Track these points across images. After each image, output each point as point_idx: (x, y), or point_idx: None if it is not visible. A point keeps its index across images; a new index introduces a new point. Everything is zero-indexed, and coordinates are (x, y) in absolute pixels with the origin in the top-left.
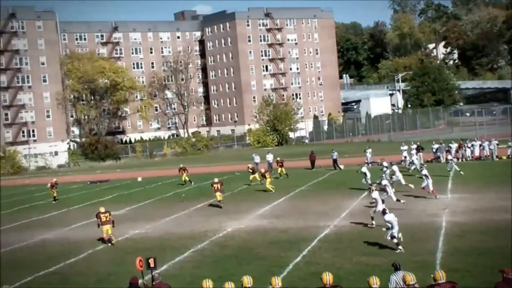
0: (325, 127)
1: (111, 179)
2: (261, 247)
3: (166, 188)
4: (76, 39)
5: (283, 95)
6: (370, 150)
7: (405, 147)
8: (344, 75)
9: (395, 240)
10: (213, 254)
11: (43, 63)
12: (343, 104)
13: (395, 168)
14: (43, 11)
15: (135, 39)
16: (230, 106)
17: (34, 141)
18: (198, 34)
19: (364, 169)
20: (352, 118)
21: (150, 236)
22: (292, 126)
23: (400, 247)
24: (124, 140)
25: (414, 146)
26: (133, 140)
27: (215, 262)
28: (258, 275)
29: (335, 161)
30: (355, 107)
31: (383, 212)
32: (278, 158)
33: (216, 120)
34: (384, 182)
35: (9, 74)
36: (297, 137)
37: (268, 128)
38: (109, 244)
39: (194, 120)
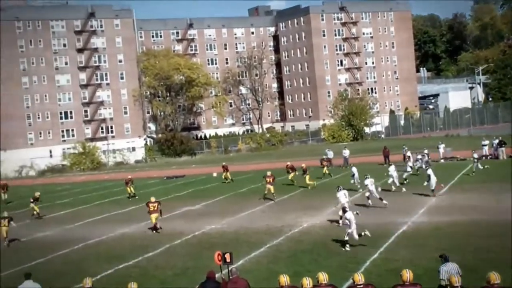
0: (402, 122)
1: (187, 175)
2: (337, 243)
3: (241, 184)
4: (152, 36)
5: (358, 89)
6: (443, 145)
7: (487, 142)
8: (421, 68)
9: (347, 238)
10: (288, 250)
11: (120, 61)
12: (420, 98)
13: (391, 169)
14: (120, 10)
15: (209, 35)
16: (305, 101)
17: (113, 137)
18: (272, 29)
19: (354, 169)
20: (430, 113)
21: (226, 231)
22: (367, 121)
23: (347, 246)
24: (199, 136)
25: (496, 140)
26: (208, 136)
27: (290, 257)
28: (335, 271)
29: (405, 156)
30: (433, 101)
31: (343, 210)
32: (324, 157)
33: (290, 116)
34: (367, 181)
35: (89, 71)
36: (372, 132)
37: (343, 123)
38: (154, 232)
39: (268, 116)
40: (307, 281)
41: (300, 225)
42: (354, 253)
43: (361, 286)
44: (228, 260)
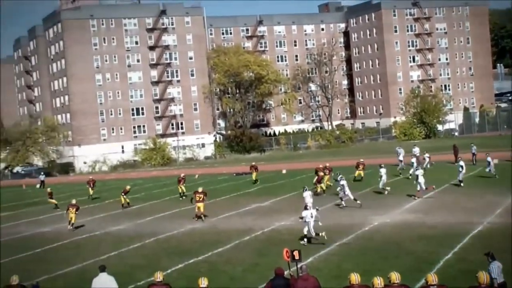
0: (477, 120)
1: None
2: (408, 242)
3: (311, 181)
4: (222, 33)
5: (431, 86)
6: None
7: None
8: (498, 64)
9: (305, 231)
10: (358, 248)
11: (190, 58)
12: (496, 95)
13: (382, 170)
14: (191, 7)
15: (279, 32)
16: (375, 98)
17: (183, 133)
18: (343, 25)
19: (383, 170)
20: (507, 110)
21: (295, 228)
22: (440, 119)
23: (304, 240)
24: (268, 132)
25: None
26: (277, 133)
27: (361, 256)
28: (406, 270)
29: (473, 155)
30: (510, 98)
31: (305, 207)
32: (361, 159)
33: (360, 113)
34: (342, 182)
35: (160, 69)
36: (445, 130)
37: (415, 120)
38: (196, 219)
39: (338, 113)
40: (378, 281)
41: (371, 223)
42: (427, 253)
43: (435, 286)
44: (296, 257)
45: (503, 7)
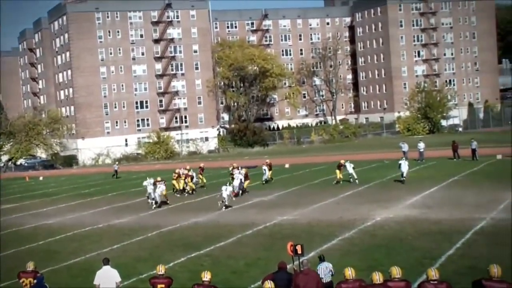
0: (481, 115)
1: (259, 165)
2: (412, 237)
3: (314, 175)
4: (227, 27)
5: (436, 81)
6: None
7: None
8: (503, 59)
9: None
10: (361, 243)
11: (195, 51)
12: (501, 90)
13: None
14: (196, 1)
15: (284, 26)
16: (380, 93)
17: (186, 127)
18: (348, 19)
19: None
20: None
21: (298, 223)
22: (444, 114)
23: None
24: (272, 126)
25: None
26: (280, 127)
27: (363, 251)
28: (409, 266)
29: (473, 151)
30: None
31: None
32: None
33: (364, 107)
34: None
35: (164, 62)
36: (449, 125)
37: (419, 115)
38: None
39: (342, 107)
40: (377, 276)
41: (373, 218)
42: (430, 249)
43: (435, 282)
44: (299, 251)
45: (510, 2)
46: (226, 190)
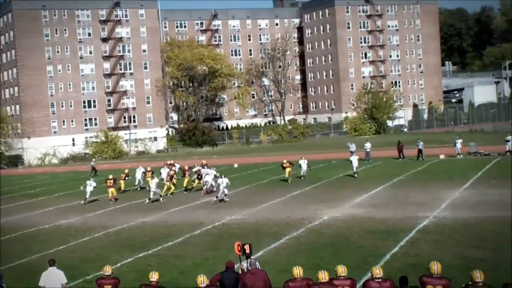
0: (425, 116)
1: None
2: (358, 236)
3: (262, 175)
4: (177, 26)
5: (382, 82)
6: (460, 140)
7: (510, 137)
8: (446, 62)
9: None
10: (309, 242)
11: (144, 51)
12: (444, 92)
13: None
14: (145, 0)
15: (233, 26)
16: (327, 94)
17: (135, 126)
18: (297, 21)
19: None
20: (454, 107)
21: (246, 222)
22: (390, 115)
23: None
24: (221, 126)
25: None
26: (230, 127)
27: (310, 250)
28: (355, 264)
29: (420, 151)
30: (457, 95)
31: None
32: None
33: (312, 108)
34: (221, 180)
35: (112, 61)
36: (395, 126)
37: (365, 116)
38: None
39: (291, 108)
40: (322, 275)
41: (321, 217)
42: (375, 247)
43: (379, 280)
44: (247, 251)
45: (453, 6)
46: (223, 183)
